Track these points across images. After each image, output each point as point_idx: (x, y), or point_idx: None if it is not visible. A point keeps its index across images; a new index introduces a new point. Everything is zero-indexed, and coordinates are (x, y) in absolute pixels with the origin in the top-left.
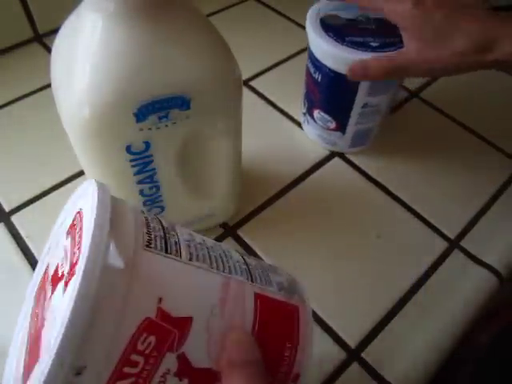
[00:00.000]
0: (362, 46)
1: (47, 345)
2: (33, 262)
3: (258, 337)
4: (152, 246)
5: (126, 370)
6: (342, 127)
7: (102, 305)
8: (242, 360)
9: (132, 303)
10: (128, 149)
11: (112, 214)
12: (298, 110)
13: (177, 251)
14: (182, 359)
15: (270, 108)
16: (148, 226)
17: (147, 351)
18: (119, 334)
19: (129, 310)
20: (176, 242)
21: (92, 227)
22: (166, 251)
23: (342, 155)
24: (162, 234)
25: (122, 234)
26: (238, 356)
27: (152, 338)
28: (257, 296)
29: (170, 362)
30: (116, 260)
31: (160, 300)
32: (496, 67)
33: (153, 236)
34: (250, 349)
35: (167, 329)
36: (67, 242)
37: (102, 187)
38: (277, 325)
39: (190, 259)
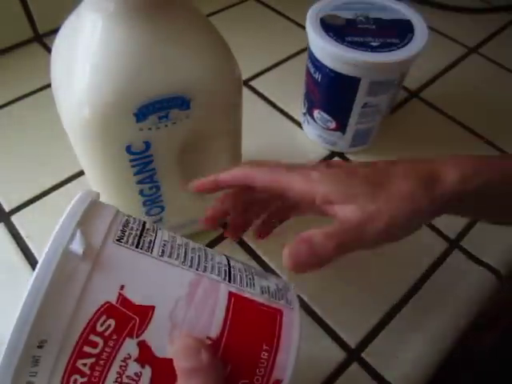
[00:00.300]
0: (362, 46)
1: None
2: (33, 262)
3: (231, 334)
4: (123, 240)
5: (86, 349)
6: (342, 127)
7: (60, 285)
8: (189, 368)
9: (93, 287)
10: (128, 149)
11: (88, 211)
12: (298, 109)
13: (148, 248)
14: (143, 346)
15: (270, 108)
16: (126, 225)
17: (106, 333)
18: (78, 313)
19: (89, 293)
20: (151, 241)
21: (63, 217)
22: (137, 246)
23: (342, 155)
24: (137, 233)
25: (92, 227)
26: (183, 364)
27: (111, 321)
28: (231, 294)
29: (130, 347)
30: (78, 246)
31: (122, 287)
32: (448, 208)
33: (127, 233)
34: (197, 356)
35: (127, 314)
36: None
37: (89, 192)
38: (252, 324)
39: (161, 255)
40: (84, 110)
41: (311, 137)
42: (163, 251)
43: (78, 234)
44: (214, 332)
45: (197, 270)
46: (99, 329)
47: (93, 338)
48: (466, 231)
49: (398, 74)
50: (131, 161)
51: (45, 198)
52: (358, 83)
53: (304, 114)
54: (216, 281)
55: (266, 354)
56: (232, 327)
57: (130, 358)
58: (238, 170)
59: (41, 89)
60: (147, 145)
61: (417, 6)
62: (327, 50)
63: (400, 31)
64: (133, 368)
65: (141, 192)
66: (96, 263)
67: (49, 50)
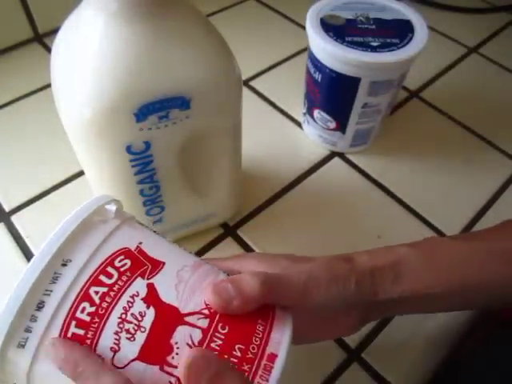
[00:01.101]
0: (362, 46)
1: None
2: None
3: None
4: (144, 226)
5: (102, 278)
6: (342, 127)
7: (94, 223)
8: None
9: (118, 234)
10: (128, 149)
11: (118, 202)
12: (298, 109)
13: (162, 236)
14: (151, 288)
15: (270, 108)
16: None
17: (122, 269)
18: (102, 247)
19: (114, 237)
20: (163, 234)
21: (100, 193)
22: (154, 232)
23: (342, 155)
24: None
25: (120, 210)
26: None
27: (128, 261)
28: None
29: (140, 285)
30: (112, 207)
31: (140, 243)
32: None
33: (145, 226)
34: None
35: (141, 260)
36: None
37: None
38: None
39: (173, 243)
40: (84, 110)
41: (311, 137)
42: (174, 242)
43: (113, 203)
44: None
45: (201, 260)
46: (117, 264)
47: (110, 269)
48: (466, 231)
49: (398, 74)
50: (131, 161)
51: (45, 198)
52: (358, 83)
53: (304, 113)
54: (217, 269)
55: (261, 328)
56: None
57: (138, 295)
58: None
59: (41, 89)
60: (147, 145)
61: (417, 5)
62: (327, 50)
63: (400, 31)
64: (138, 306)
65: (141, 192)
66: (122, 223)
67: (49, 49)
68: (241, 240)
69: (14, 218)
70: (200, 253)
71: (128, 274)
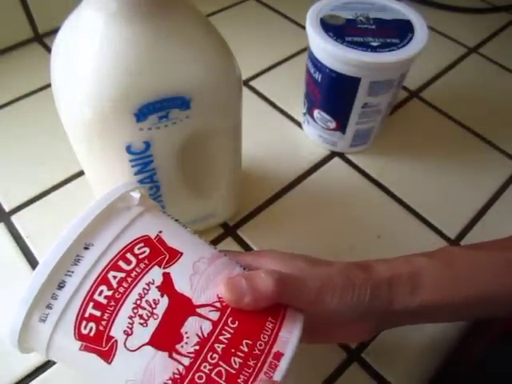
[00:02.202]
0: (362, 46)
1: None
2: (33, 262)
3: None
4: (167, 214)
5: (121, 263)
6: (342, 127)
7: (117, 209)
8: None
9: (139, 222)
10: (128, 149)
11: (143, 191)
12: (298, 109)
13: (184, 226)
14: (166, 277)
15: (270, 108)
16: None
17: (140, 256)
18: (124, 234)
19: (135, 224)
20: (185, 225)
21: (126, 180)
22: (176, 221)
23: (342, 155)
24: (176, 218)
25: (147, 198)
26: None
27: (147, 249)
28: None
29: (156, 274)
30: (136, 195)
31: (160, 231)
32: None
33: (169, 213)
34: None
35: (160, 249)
36: None
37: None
38: None
39: (194, 233)
40: (84, 110)
41: (311, 137)
42: (195, 233)
43: (137, 190)
44: None
45: (219, 251)
46: (136, 251)
47: (129, 256)
48: (466, 231)
49: (398, 74)
50: (131, 161)
51: (45, 198)
52: (358, 83)
53: (304, 113)
54: (234, 263)
55: (271, 325)
56: None
57: (153, 283)
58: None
59: (41, 89)
60: (147, 145)
61: (417, 5)
62: (327, 50)
63: (400, 31)
64: (153, 294)
65: None
66: (145, 210)
67: (49, 49)
68: (241, 240)
69: (14, 218)
70: None
71: (146, 261)
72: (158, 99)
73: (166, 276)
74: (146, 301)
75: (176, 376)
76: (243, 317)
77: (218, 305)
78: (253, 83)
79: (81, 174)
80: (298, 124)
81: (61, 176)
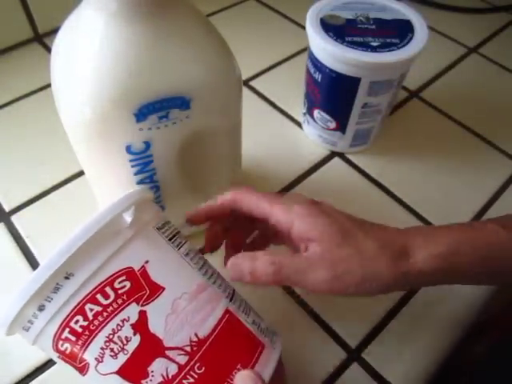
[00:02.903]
0: (362, 46)
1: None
2: (33, 262)
3: (215, 341)
4: (161, 231)
5: (99, 297)
6: (342, 127)
7: (105, 236)
8: None
9: (126, 251)
10: (128, 149)
11: (142, 199)
12: (298, 109)
13: (177, 245)
14: (142, 316)
15: (270, 108)
16: (166, 223)
17: (120, 291)
18: (107, 265)
19: (121, 254)
20: (180, 242)
21: (124, 194)
22: (170, 240)
23: (342, 155)
24: (173, 232)
25: (142, 211)
26: None
27: (127, 284)
28: (227, 311)
29: (132, 311)
30: (128, 217)
31: (147, 262)
32: (405, 284)
33: (166, 228)
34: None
35: (141, 284)
36: None
37: (145, 189)
38: (235, 343)
39: (185, 255)
40: (84, 110)
41: (311, 137)
42: (187, 254)
43: (132, 209)
44: (202, 333)
45: (208, 279)
46: (116, 285)
47: (108, 290)
48: None
49: (398, 74)
50: (131, 161)
51: (45, 198)
52: (358, 83)
53: (304, 113)
54: (219, 294)
55: (237, 373)
56: (218, 336)
57: (128, 320)
58: (227, 195)
59: (41, 89)
60: (147, 145)
61: (417, 5)
62: (327, 50)
63: (400, 31)
64: (126, 331)
65: None
66: (136, 234)
67: (49, 49)
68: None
69: (14, 218)
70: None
71: (124, 297)
72: (158, 99)
73: (142, 314)
74: (119, 337)
75: None
76: (211, 363)
77: (187, 349)
78: (253, 83)
79: (81, 174)
80: (298, 124)
81: (61, 176)
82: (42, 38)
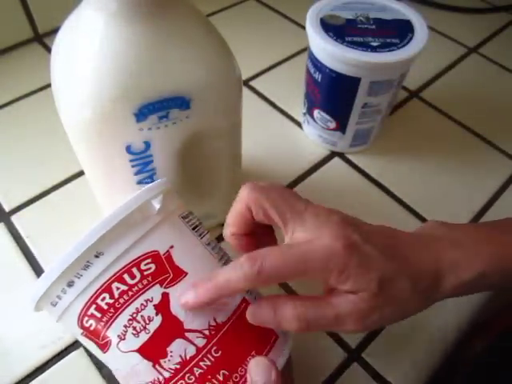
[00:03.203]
0: (362, 46)
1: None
2: (33, 262)
3: (231, 327)
4: (186, 220)
5: (126, 277)
6: (342, 127)
7: (134, 220)
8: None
9: (153, 235)
10: (128, 149)
11: (169, 188)
12: (298, 109)
13: (200, 234)
14: (165, 297)
15: (270, 108)
16: (191, 213)
17: (145, 272)
18: (135, 247)
19: (148, 238)
20: (203, 232)
21: (154, 183)
22: (193, 229)
23: (342, 155)
24: (197, 222)
25: (169, 199)
26: (257, 378)
27: (152, 266)
28: (244, 300)
29: (155, 292)
30: (157, 204)
31: (172, 246)
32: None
33: (190, 217)
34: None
35: (166, 267)
36: None
37: (167, 180)
38: (250, 331)
39: (207, 245)
40: (84, 110)
41: (311, 137)
42: (209, 243)
43: (160, 197)
44: (220, 318)
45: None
46: (142, 266)
47: (134, 270)
48: None
49: (398, 74)
50: (131, 161)
51: (45, 198)
52: (358, 83)
53: (304, 113)
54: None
55: (252, 360)
56: (235, 323)
57: (151, 300)
58: (242, 203)
59: (41, 89)
60: (147, 145)
61: (417, 5)
62: (327, 50)
63: (400, 31)
64: (149, 311)
65: None
66: (163, 220)
67: (49, 49)
68: None
69: (14, 218)
70: None
71: (149, 278)
72: (158, 99)
73: (165, 296)
74: (142, 316)
75: (156, 382)
76: (227, 348)
77: (206, 332)
78: (253, 83)
79: (81, 174)
80: (298, 124)
81: (61, 176)
82: (42, 38)
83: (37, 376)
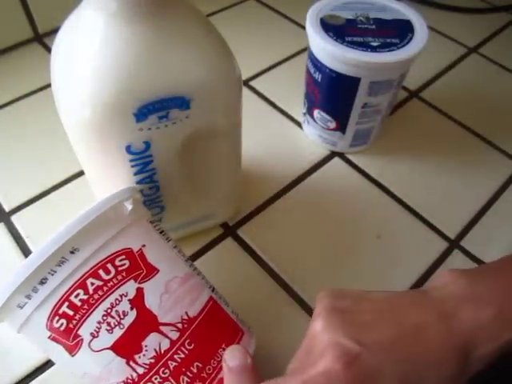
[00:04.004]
0: (362, 46)
1: None
2: None
3: (203, 321)
4: (153, 224)
5: (101, 272)
6: (342, 127)
7: (108, 218)
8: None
9: (126, 233)
10: (128, 149)
11: (135, 196)
12: (298, 109)
13: (166, 239)
14: (139, 292)
15: (270, 108)
16: (156, 221)
17: (120, 268)
18: (109, 244)
19: (123, 235)
20: (168, 237)
21: (123, 187)
22: (161, 233)
23: (342, 155)
24: (162, 229)
25: (139, 205)
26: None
27: (127, 262)
28: (211, 298)
29: (130, 287)
30: (129, 205)
31: (144, 245)
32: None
33: (156, 223)
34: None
35: (139, 264)
36: None
37: (134, 187)
38: (220, 325)
39: (174, 248)
40: (84, 111)
41: (311, 137)
42: (175, 247)
43: (131, 200)
44: (192, 312)
45: (193, 270)
46: (117, 263)
47: (109, 266)
48: (466, 231)
49: (398, 74)
50: (131, 161)
51: (45, 198)
52: (358, 83)
53: (304, 114)
54: (204, 283)
55: (223, 352)
56: (205, 317)
57: (126, 295)
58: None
59: (41, 89)
60: (147, 145)
61: (417, 5)
62: (327, 50)
63: (400, 31)
64: (124, 305)
65: (140, 192)
66: (134, 222)
67: (49, 49)
68: (241, 240)
69: (14, 218)
70: (200, 253)
71: (124, 274)
72: (158, 99)
73: (139, 291)
74: (116, 311)
75: (129, 381)
76: (200, 341)
77: (179, 326)
78: (253, 83)
79: (81, 174)
80: (298, 124)
81: (61, 176)
82: (42, 38)
83: (37, 376)
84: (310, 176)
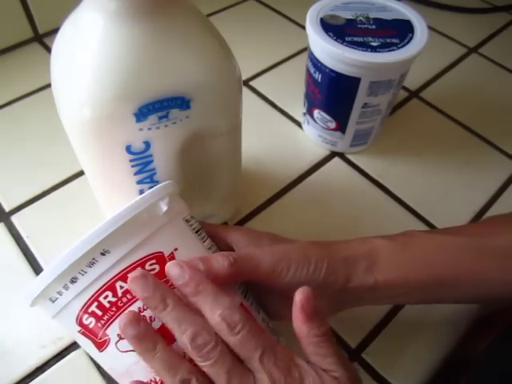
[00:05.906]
0: (362, 46)
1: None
2: (33, 263)
3: None
4: (189, 223)
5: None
6: (342, 127)
7: (141, 220)
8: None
9: (158, 236)
10: (128, 149)
11: (174, 191)
12: (298, 109)
13: (202, 238)
14: None
15: (270, 108)
16: (193, 217)
17: (150, 273)
18: (141, 247)
19: (154, 238)
20: (205, 236)
21: (160, 185)
22: (196, 232)
23: (342, 155)
24: (199, 226)
25: (174, 202)
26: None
27: (156, 267)
28: (241, 305)
29: None
30: (163, 205)
31: (176, 249)
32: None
33: (193, 221)
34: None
35: None
36: None
37: (174, 182)
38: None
39: (209, 248)
40: (84, 111)
41: (311, 137)
42: (210, 247)
43: (167, 199)
44: None
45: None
46: (147, 267)
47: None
48: None
49: (398, 74)
50: (131, 161)
51: (45, 198)
52: (358, 83)
53: (304, 114)
54: (236, 288)
55: None
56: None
57: None
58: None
59: (41, 89)
60: (147, 145)
61: (417, 5)
62: (327, 50)
63: (400, 31)
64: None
65: (141, 192)
66: (168, 222)
67: (49, 49)
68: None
69: (14, 218)
70: None
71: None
72: (158, 99)
73: None
74: (144, 316)
75: (152, 383)
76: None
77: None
78: (253, 83)
79: (81, 173)
80: (298, 124)
81: (61, 176)
82: (42, 38)
83: (37, 376)
84: (310, 176)
